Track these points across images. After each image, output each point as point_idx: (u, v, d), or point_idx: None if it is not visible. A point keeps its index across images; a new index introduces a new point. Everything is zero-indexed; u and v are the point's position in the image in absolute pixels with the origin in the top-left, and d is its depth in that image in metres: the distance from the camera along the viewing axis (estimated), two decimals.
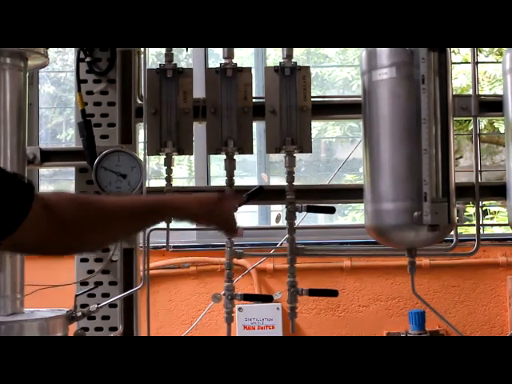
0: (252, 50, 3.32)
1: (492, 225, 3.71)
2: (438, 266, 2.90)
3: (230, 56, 2.04)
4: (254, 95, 2.07)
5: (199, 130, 2.32)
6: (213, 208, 1.36)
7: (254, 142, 2.19)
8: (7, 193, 1.04)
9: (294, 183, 2.06)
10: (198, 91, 2.11)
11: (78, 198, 1.29)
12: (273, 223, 3.18)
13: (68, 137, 3.51)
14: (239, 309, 2.80)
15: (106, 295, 2.16)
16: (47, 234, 1.15)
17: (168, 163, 2.06)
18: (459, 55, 3.78)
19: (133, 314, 2.20)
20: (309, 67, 2.07)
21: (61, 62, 3.35)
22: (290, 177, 2.05)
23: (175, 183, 2.41)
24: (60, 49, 3.16)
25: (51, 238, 1.16)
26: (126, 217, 1.27)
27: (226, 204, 1.41)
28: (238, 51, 2.26)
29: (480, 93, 3.04)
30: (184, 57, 3.37)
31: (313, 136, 2.08)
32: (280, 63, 2.04)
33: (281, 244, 2.26)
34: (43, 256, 1.30)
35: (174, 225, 2.14)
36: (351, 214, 3.72)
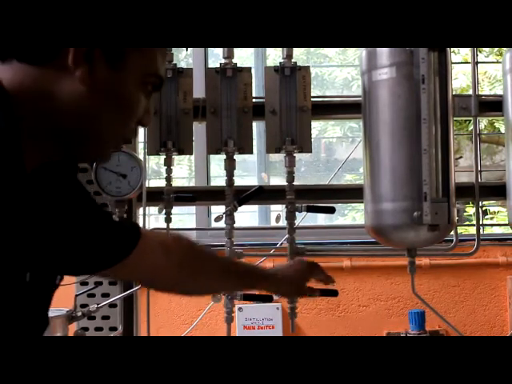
0: (252, 50, 3.32)
1: (492, 225, 3.72)
2: (437, 266, 2.90)
3: (230, 56, 2.05)
4: (254, 95, 2.07)
5: (199, 130, 2.32)
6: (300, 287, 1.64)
7: (254, 142, 2.19)
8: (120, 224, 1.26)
9: (294, 183, 2.06)
10: (198, 91, 2.11)
11: (193, 243, 1.44)
12: (273, 223, 3.19)
13: None
14: (239, 309, 2.80)
15: (105, 295, 2.16)
16: (161, 270, 1.30)
17: (168, 163, 2.06)
18: (459, 55, 3.78)
19: (133, 314, 2.20)
20: (309, 67, 2.07)
21: None
22: (290, 177, 2.05)
23: (175, 183, 2.41)
24: None
25: (165, 274, 1.32)
26: (233, 273, 1.47)
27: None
28: (237, 51, 2.26)
29: (480, 93, 3.04)
30: (184, 57, 3.37)
31: (313, 136, 2.08)
32: (280, 63, 2.05)
33: (281, 244, 2.26)
34: (154, 289, 1.49)
35: (173, 225, 2.14)
36: (351, 214, 3.73)
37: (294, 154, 2.05)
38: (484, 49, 3.96)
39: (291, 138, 2.02)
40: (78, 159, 1.08)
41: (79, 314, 1.98)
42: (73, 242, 1.08)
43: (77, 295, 2.08)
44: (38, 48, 0.91)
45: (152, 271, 1.29)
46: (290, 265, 1.66)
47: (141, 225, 2.14)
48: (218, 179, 3.15)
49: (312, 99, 2.05)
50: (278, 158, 3.05)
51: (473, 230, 2.25)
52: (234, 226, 2.04)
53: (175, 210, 2.11)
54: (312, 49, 3.77)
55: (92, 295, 2.16)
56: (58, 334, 1.88)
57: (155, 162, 3.36)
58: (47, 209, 0.99)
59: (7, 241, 0.85)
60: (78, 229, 1.09)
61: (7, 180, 0.84)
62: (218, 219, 2.04)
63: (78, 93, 0.93)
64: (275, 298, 2.10)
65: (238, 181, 2.25)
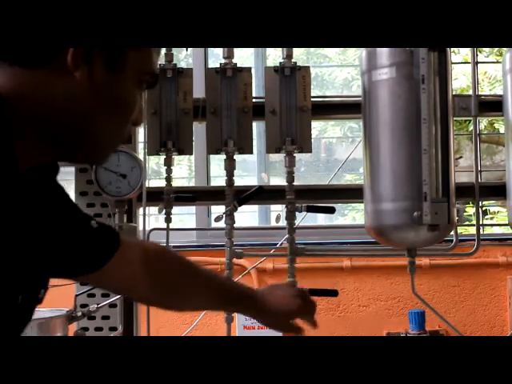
0: (252, 50, 3.32)
1: (492, 225, 3.72)
2: (437, 266, 2.90)
3: (230, 56, 2.05)
4: (254, 95, 2.07)
5: (199, 130, 2.32)
6: (288, 322, 1.49)
7: (254, 142, 2.19)
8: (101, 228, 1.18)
9: (294, 183, 2.06)
10: (198, 91, 2.11)
11: (176, 254, 1.39)
12: (273, 223, 3.19)
13: None
14: None
15: (105, 295, 2.16)
16: (138, 282, 1.26)
17: (168, 163, 2.05)
18: (459, 55, 3.78)
19: (133, 314, 2.20)
20: (309, 67, 2.07)
21: None
22: (290, 177, 2.05)
23: (175, 183, 2.41)
24: None
25: (142, 287, 1.27)
26: (216, 290, 1.39)
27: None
28: (237, 51, 2.26)
29: (480, 93, 3.04)
30: (184, 57, 3.37)
31: (313, 136, 2.08)
32: (280, 63, 2.05)
33: (281, 244, 2.26)
34: (138, 301, 1.40)
35: (173, 225, 2.14)
36: (351, 214, 3.73)
37: (294, 154, 2.05)
38: (484, 49, 3.96)
39: (291, 138, 2.02)
40: (74, 162, 1.06)
41: (79, 313, 1.98)
42: (46, 247, 1.04)
43: (77, 295, 2.08)
44: (31, 52, 0.90)
45: (131, 282, 1.26)
46: (284, 295, 1.48)
47: (141, 225, 2.15)
48: (218, 179, 3.15)
49: (312, 99, 2.05)
50: (278, 157, 3.05)
51: (473, 230, 2.25)
52: (234, 226, 2.04)
53: (175, 209, 2.11)
54: (312, 49, 3.77)
55: (92, 295, 2.16)
56: (58, 334, 1.88)
57: (155, 162, 3.36)
58: (29, 213, 0.96)
59: (6, 260, 0.84)
60: (50, 233, 1.05)
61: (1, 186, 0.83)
62: (217, 219, 2.04)
63: (75, 95, 0.92)
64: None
65: (238, 181, 2.25)
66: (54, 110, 0.92)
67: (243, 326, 2.82)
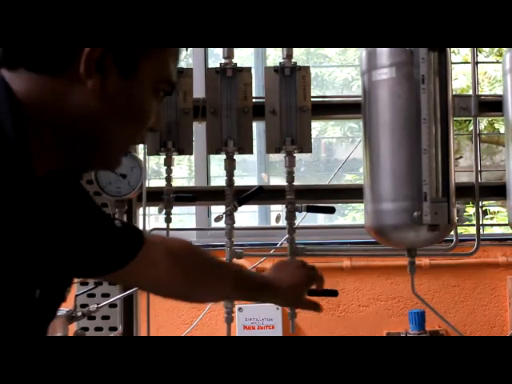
0: (252, 50, 3.32)
1: (492, 225, 3.72)
2: (437, 266, 2.90)
3: (230, 56, 2.05)
4: (254, 95, 2.07)
5: (199, 130, 2.32)
6: (301, 294, 1.55)
7: (254, 142, 2.19)
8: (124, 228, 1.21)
9: (294, 183, 2.06)
10: (198, 91, 2.11)
11: (199, 248, 1.44)
12: (273, 223, 3.19)
13: None
14: (239, 309, 2.80)
15: (105, 295, 2.16)
16: (165, 280, 1.30)
17: (168, 163, 2.05)
18: (459, 55, 3.78)
19: (133, 313, 2.20)
20: (309, 67, 2.07)
21: None
22: (290, 177, 2.05)
23: (175, 183, 2.41)
24: None
25: (168, 284, 1.32)
26: (237, 279, 1.44)
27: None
28: (237, 51, 2.26)
29: (480, 93, 3.04)
30: (184, 57, 3.37)
31: (313, 136, 2.08)
32: (280, 63, 2.05)
33: (281, 244, 2.26)
34: (161, 296, 1.45)
35: (173, 225, 2.14)
36: (351, 214, 3.73)
37: (294, 154, 2.05)
38: (484, 49, 3.96)
39: (291, 138, 2.02)
40: (87, 168, 1.07)
41: (79, 313, 1.98)
42: (70, 248, 1.05)
43: (77, 295, 2.08)
44: (47, 58, 0.91)
45: (155, 281, 1.29)
46: (289, 270, 1.54)
47: (141, 225, 2.15)
48: (218, 179, 3.15)
49: (312, 99, 2.05)
50: (278, 158, 3.05)
51: (473, 230, 2.25)
52: (234, 226, 2.04)
53: (175, 209, 2.11)
54: (312, 49, 3.78)
55: (92, 295, 2.16)
56: (58, 334, 1.88)
57: (155, 162, 3.36)
58: (50, 215, 0.97)
59: (16, 255, 0.84)
60: (76, 235, 1.06)
61: (17, 189, 0.83)
62: (217, 219, 2.04)
63: (89, 103, 0.92)
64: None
65: (238, 181, 2.25)
66: (69, 117, 0.92)
67: (243, 326, 2.83)
